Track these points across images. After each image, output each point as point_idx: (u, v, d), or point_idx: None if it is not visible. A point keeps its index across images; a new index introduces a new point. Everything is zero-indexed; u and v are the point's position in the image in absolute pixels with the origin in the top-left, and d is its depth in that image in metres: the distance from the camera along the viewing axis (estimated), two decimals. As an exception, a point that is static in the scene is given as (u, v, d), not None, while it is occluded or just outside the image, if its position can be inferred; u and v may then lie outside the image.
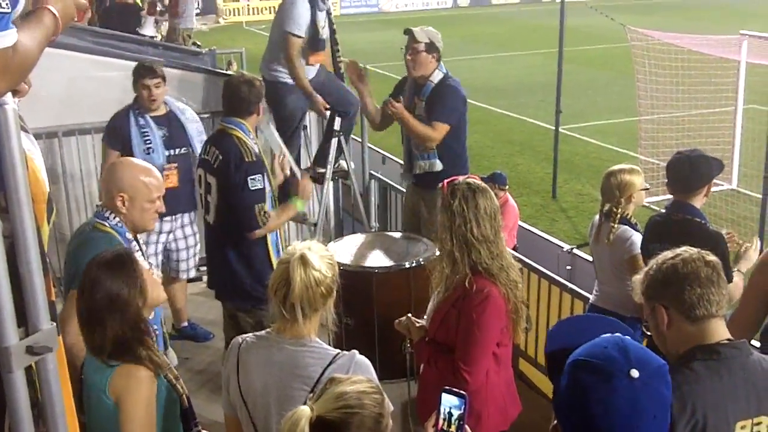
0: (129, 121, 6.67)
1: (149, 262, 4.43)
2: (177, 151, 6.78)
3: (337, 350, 3.32)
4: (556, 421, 2.02)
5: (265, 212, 5.28)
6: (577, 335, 2.08)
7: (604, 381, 1.90)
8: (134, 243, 4.22)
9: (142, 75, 6.65)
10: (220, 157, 5.35)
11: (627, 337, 2.03)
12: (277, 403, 3.27)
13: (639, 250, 5.21)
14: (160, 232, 6.78)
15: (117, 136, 6.67)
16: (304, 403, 3.12)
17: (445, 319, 4.05)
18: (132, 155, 6.20)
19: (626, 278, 5.32)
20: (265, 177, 5.38)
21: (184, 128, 6.82)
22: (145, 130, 6.66)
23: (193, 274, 7.28)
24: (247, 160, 5.28)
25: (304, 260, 3.26)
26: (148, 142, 6.64)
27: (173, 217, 6.83)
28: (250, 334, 3.47)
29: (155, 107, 6.72)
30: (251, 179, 5.26)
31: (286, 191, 5.74)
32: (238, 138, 5.37)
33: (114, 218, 4.17)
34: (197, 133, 6.89)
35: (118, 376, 3.27)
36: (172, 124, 6.80)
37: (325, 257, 3.35)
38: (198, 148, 6.61)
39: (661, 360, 2.00)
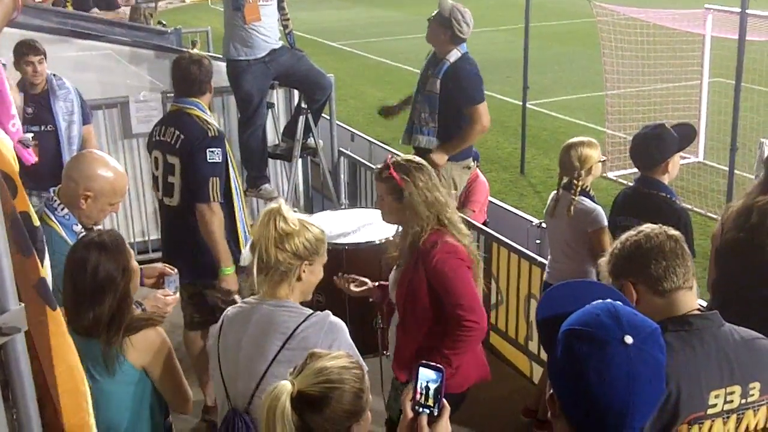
0: None
1: None
2: (40, 128, 6.82)
3: (312, 310, 3.40)
4: (552, 391, 2.03)
5: (217, 188, 5.25)
6: (568, 302, 2.07)
7: (598, 349, 1.89)
8: (83, 234, 4.16)
9: (25, 52, 6.77)
10: (182, 137, 5.31)
11: (618, 302, 2.03)
12: (247, 357, 3.34)
13: (605, 223, 5.24)
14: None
15: None
16: (275, 357, 3.23)
17: (408, 285, 4.12)
18: None
19: (581, 254, 5.36)
20: (225, 154, 5.34)
21: (50, 107, 6.89)
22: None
23: None
24: (210, 135, 5.27)
25: (277, 212, 3.34)
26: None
27: (39, 193, 6.92)
28: (240, 302, 3.55)
29: (39, 82, 6.85)
30: (210, 151, 5.23)
31: None
32: (198, 116, 5.35)
33: (62, 210, 4.08)
34: (65, 112, 6.95)
35: (132, 350, 3.42)
36: (40, 102, 6.89)
37: (303, 220, 3.41)
38: (63, 126, 6.85)
39: (653, 324, 1.99)
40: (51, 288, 2.24)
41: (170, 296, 4.08)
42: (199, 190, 5.27)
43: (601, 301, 2.02)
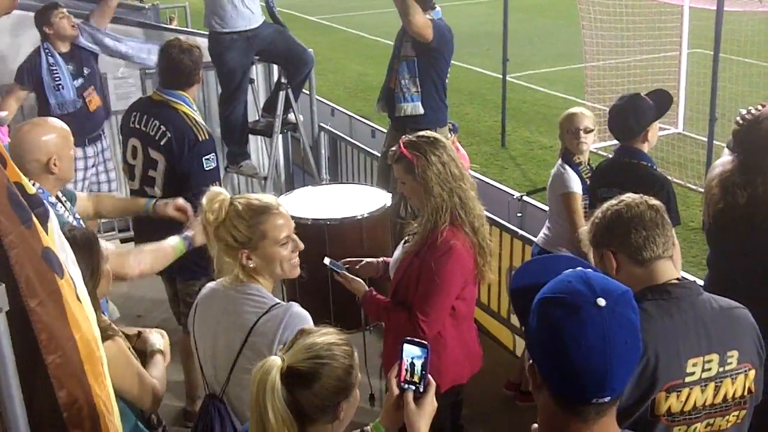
0: (40, 61, 6.98)
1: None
2: (81, 79, 7.12)
3: (277, 301, 3.33)
4: (531, 361, 2.04)
5: None
6: (541, 273, 2.10)
7: (572, 314, 1.91)
8: (59, 205, 4.18)
9: (54, 9, 7.05)
10: (169, 135, 5.12)
11: (588, 269, 2.05)
12: (217, 347, 3.34)
13: (572, 189, 5.28)
14: (86, 168, 7.18)
15: (29, 75, 6.97)
16: (239, 351, 3.19)
17: (408, 268, 4.08)
18: (42, 93, 6.89)
19: (562, 219, 5.40)
20: (216, 153, 5.24)
21: (80, 52, 7.17)
22: (54, 68, 6.95)
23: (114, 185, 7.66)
24: (201, 139, 5.11)
25: (205, 203, 3.34)
26: (57, 79, 6.93)
27: (94, 145, 7.29)
28: (214, 281, 3.50)
29: (77, 33, 7.12)
30: (206, 159, 5.10)
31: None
32: (186, 114, 5.17)
33: (34, 185, 4.05)
34: (87, 45, 7.26)
35: None
36: (75, 54, 7.13)
37: (238, 207, 3.32)
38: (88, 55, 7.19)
39: (624, 286, 2.01)
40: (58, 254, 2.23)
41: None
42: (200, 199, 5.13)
43: (572, 269, 2.05)
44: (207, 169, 5.11)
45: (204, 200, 3.32)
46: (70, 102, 6.95)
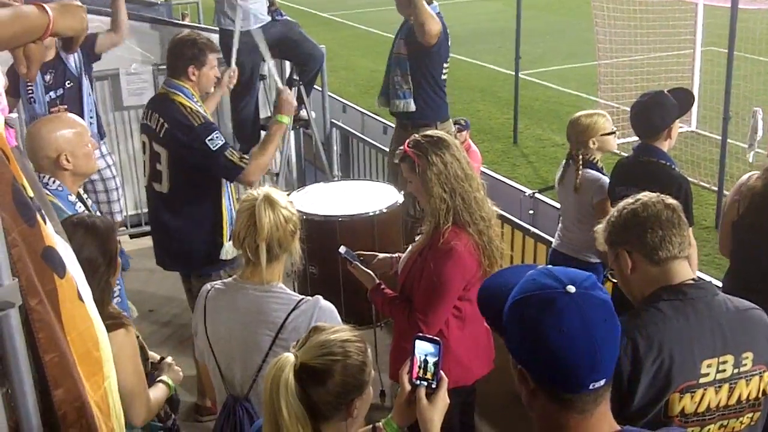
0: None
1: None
2: (60, 90, 6.75)
3: (302, 296, 3.36)
4: (520, 366, 2.02)
5: (236, 155, 5.04)
6: (504, 281, 2.10)
7: (547, 307, 1.91)
8: (78, 204, 4.16)
9: None
10: (166, 126, 5.10)
11: (549, 266, 2.07)
12: (242, 348, 3.32)
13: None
14: None
15: (11, 83, 6.57)
16: (269, 349, 3.17)
17: (412, 267, 4.07)
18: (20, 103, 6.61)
19: (592, 222, 5.34)
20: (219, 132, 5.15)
21: (64, 63, 6.75)
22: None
23: (119, 217, 7.31)
24: (196, 125, 5.03)
25: (270, 200, 3.28)
26: (30, 92, 6.64)
27: None
28: (218, 282, 3.50)
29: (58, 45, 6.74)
30: (209, 141, 5.00)
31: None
32: (181, 104, 5.12)
33: (54, 182, 4.07)
34: (77, 59, 6.82)
35: None
36: (57, 64, 6.73)
37: (284, 196, 3.41)
38: (85, 82, 6.79)
39: (587, 273, 2.03)
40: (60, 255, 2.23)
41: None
42: (229, 172, 5.08)
43: (533, 270, 2.05)
44: (214, 149, 4.99)
45: (275, 204, 3.31)
46: (40, 116, 6.34)
